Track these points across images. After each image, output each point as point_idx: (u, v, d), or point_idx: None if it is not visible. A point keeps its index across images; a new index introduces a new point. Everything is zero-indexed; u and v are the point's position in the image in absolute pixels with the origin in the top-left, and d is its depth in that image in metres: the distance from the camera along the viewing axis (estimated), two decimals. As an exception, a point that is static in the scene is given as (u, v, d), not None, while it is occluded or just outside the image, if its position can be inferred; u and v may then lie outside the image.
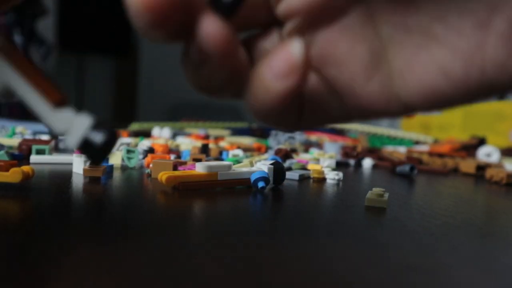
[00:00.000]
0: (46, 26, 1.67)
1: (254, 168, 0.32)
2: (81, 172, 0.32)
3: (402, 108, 0.17)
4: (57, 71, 1.86)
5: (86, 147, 0.16)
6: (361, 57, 0.17)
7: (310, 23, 0.16)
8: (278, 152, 0.46)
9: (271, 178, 0.31)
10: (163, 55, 2.69)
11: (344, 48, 0.17)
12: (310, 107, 0.18)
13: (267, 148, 0.55)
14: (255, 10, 0.17)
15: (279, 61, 0.15)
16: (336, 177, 0.37)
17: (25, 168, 0.26)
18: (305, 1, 0.16)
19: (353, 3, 0.16)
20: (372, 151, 0.63)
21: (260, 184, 0.30)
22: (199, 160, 0.39)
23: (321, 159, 0.45)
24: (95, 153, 0.16)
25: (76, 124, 0.16)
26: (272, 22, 0.17)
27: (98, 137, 0.16)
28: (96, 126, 0.16)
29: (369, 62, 0.17)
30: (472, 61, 0.15)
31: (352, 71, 0.17)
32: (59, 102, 0.16)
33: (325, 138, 0.79)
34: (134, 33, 2.66)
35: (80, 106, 1.82)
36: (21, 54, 0.16)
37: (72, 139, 0.16)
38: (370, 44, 0.17)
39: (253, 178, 0.30)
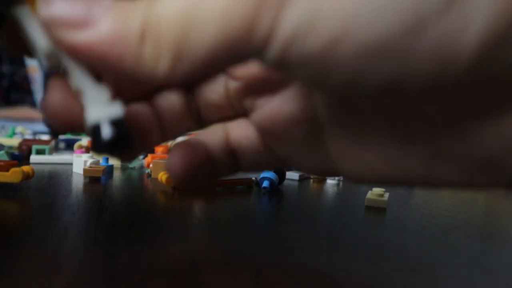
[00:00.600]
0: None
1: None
2: (81, 172, 0.32)
3: (341, 175, 0.17)
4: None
5: (94, 132, 0.16)
6: (298, 137, 0.17)
7: (252, 90, 0.17)
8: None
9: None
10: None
11: (281, 125, 0.17)
12: (246, 162, 0.18)
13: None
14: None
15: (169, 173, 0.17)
16: (336, 177, 0.37)
17: (25, 168, 0.26)
18: (247, 71, 0.16)
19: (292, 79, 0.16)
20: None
21: (265, 183, 0.30)
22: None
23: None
24: (99, 144, 0.16)
25: (108, 106, 0.15)
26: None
27: (108, 133, 0.15)
28: (116, 123, 0.16)
29: (306, 144, 0.17)
30: (397, 169, 0.15)
31: (290, 148, 0.17)
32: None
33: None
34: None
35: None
36: None
37: (94, 115, 0.16)
38: (309, 126, 0.16)
39: (260, 176, 0.30)
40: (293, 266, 0.16)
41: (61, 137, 0.51)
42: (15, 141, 0.46)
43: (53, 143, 0.43)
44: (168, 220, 0.22)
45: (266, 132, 0.17)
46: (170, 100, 0.17)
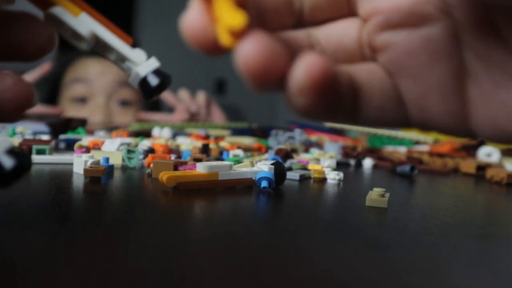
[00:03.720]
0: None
1: (254, 168, 0.32)
2: (81, 172, 0.32)
3: (466, 133, 0.17)
4: (56, 70, 1.85)
5: (144, 83, 0.20)
6: (439, 76, 0.16)
7: (392, 23, 0.16)
8: (278, 152, 0.46)
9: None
10: (163, 55, 2.69)
11: (424, 61, 0.16)
12: (368, 107, 0.17)
13: (267, 148, 0.55)
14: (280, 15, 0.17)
15: (291, 82, 0.15)
16: (337, 177, 0.37)
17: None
18: (391, 2, 0.16)
19: (441, 14, 0.16)
20: (372, 151, 0.63)
21: (263, 183, 0.30)
22: (199, 160, 0.39)
23: (321, 159, 0.45)
24: (148, 90, 0.20)
25: (147, 63, 0.20)
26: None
27: (154, 80, 0.20)
28: (157, 71, 0.20)
29: (448, 83, 0.16)
30: None
31: (428, 88, 0.16)
32: (130, 42, 0.21)
33: (325, 138, 0.79)
34: (133, 32, 2.66)
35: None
36: (97, 12, 0.21)
37: (142, 71, 0.20)
38: (451, 65, 0.16)
39: (258, 176, 0.30)
40: (293, 266, 0.16)
41: (61, 137, 0.51)
42: (15, 141, 0.46)
43: (53, 143, 0.43)
44: (169, 220, 0.22)
45: (401, 69, 0.16)
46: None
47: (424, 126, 0.17)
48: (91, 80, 1.03)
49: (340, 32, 0.17)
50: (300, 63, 0.14)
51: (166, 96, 1.05)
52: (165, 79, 0.20)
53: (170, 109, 1.07)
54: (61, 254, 0.16)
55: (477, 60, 0.16)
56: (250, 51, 0.14)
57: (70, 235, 0.18)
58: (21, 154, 0.18)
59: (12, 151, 0.18)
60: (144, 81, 0.20)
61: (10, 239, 0.17)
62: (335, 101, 0.16)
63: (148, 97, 0.20)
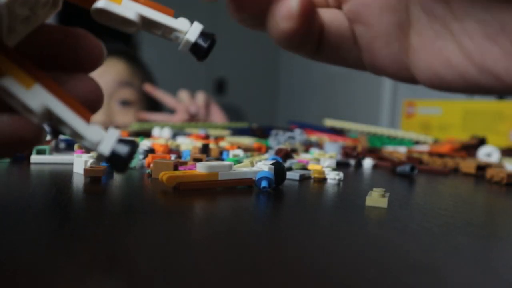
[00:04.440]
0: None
1: (254, 168, 0.32)
2: (81, 172, 0.32)
3: (408, 79, 0.20)
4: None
5: (113, 157, 0.19)
6: (387, 24, 0.19)
7: None
8: (278, 152, 0.46)
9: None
10: (163, 55, 2.69)
11: (375, 11, 0.19)
12: (329, 44, 0.20)
13: (267, 148, 0.55)
14: None
15: (282, 8, 0.18)
16: (337, 177, 0.37)
17: None
18: None
19: None
20: (372, 151, 0.63)
21: (263, 183, 0.30)
22: (199, 160, 0.39)
23: (321, 159, 0.45)
24: (121, 162, 0.19)
25: (107, 137, 0.19)
26: None
27: (123, 149, 0.19)
28: (121, 140, 0.20)
29: (392, 31, 0.19)
30: (473, 63, 0.18)
31: (376, 34, 0.19)
32: (88, 118, 0.19)
33: (325, 138, 0.79)
34: (134, 33, 2.66)
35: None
36: (55, 83, 0.19)
37: (105, 149, 0.19)
38: (398, 16, 0.19)
39: (258, 176, 0.30)
40: (293, 266, 0.16)
41: (61, 137, 0.51)
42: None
43: (53, 143, 0.43)
44: (168, 220, 0.22)
45: (357, 16, 0.20)
46: None
47: (374, 69, 0.20)
48: None
49: None
50: None
51: (166, 98, 1.06)
52: (212, 39, 0.21)
53: (171, 110, 1.07)
54: (61, 254, 0.16)
55: (422, 13, 0.19)
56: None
57: (70, 235, 0.18)
58: (128, 141, 0.20)
59: (121, 140, 0.19)
60: (195, 45, 0.21)
61: (10, 239, 0.17)
62: (308, 31, 0.19)
63: (202, 58, 0.21)
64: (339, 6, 0.21)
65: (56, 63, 0.20)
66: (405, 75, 0.20)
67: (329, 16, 0.20)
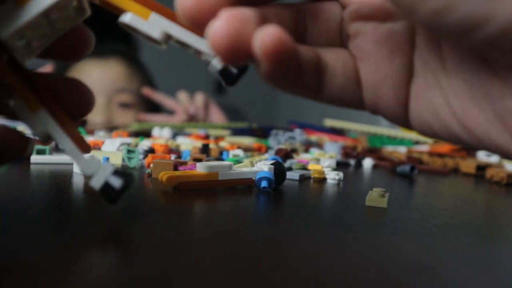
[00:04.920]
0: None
1: (254, 168, 0.32)
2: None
3: (404, 124, 0.20)
4: (57, 71, 1.86)
5: (106, 189, 0.20)
6: (396, 67, 0.18)
7: (363, 15, 0.19)
8: (278, 152, 0.46)
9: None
10: (163, 55, 2.69)
11: (385, 52, 0.18)
12: (331, 85, 0.19)
13: (267, 148, 0.55)
14: None
15: (257, 50, 0.16)
16: (337, 177, 0.37)
17: None
18: None
19: (402, 16, 0.18)
20: (372, 151, 0.63)
21: (263, 183, 0.30)
22: (199, 160, 0.39)
23: (321, 159, 0.45)
24: (113, 195, 0.20)
25: (101, 169, 0.20)
26: None
27: (117, 182, 0.20)
28: (116, 173, 0.20)
29: (399, 75, 0.18)
30: (457, 120, 0.18)
31: (383, 76, 0.19)
32: (86, 150, 0.20)
33: (325, 138, 0.79)
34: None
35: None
36: (60, 109, 0.20)
37: (98, 181, 0.20)
38: (405, 60, 0.18)
39: (258, 176, 0.30)
40: (293, 266, 0.16)
41: (86, 177, 0.52)
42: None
43: (53, 143, 0.43)
44: (169, 220, 0.22)
45: (366, 55, 0.19)
46: (282, 16, 0.18)
47: (373, 111, 0.20)
48: (91, 85, 1.03)
49: (326, 16, 0.19)
50: (257, 33, 0.16)
51: (165, 100, 1.06)
52: (243, 65, 0.19)
53: (170, 112, 1.07)
54: (61, 254, 0.16)
55: (419, 60, 0.18)
56: (219, 29, 0.16)
57: (70, 235, 0.18)
58: (124, 173, 0.20)
59: (117, 172, 0.20)
60: (224, 70, 0.19)
61: (10, 239, 0.17)
62: (297, 73, 0.18)
63: (230, 84, 0.20)
64: (344, 43, 0.20)
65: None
66: (403, 120, 0.19)
67: (332, 56, 0.19)
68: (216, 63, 0.19)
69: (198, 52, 0.19)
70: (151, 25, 0.19)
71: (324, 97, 0.19)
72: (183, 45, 0.20)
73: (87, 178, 0.20)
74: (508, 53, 0.15)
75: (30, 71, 0.20)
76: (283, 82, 0.18)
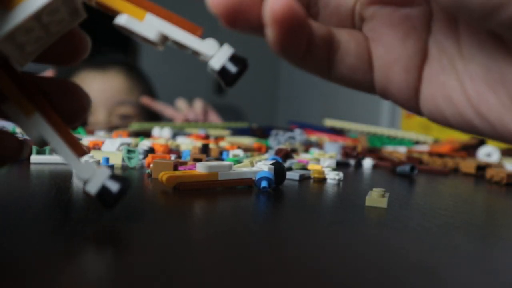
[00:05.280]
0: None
1: (254, 168, 0.32)
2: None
3: (414, 108, 0.20)
4: (57, 71, 1.86)
5: (103, 194, 0.19)
6: (409, 50, 0.19)
7: (379, 1, 0.19)
8: (278, 152, 0.46)
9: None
10: (163, 55, 2.69)
11: (399, 34, 0.19)
12: (343, 64, 0.19)
13: (267, 148, 0.55)
14: None
15: (267, 13, 0.17)
16: (337, 177, 0.37)
17: None
18: None
19: (422, 0, 0.18)
20: (372, 151, 0.63)
21: (263, 183, 0.30)
22: (199, 160, 0.39)
23: (321, 159, 0.45)
24: (110, 199, 0.19)
25: (98, 174, 0.19)
26: None
27: (114, 187, 0.19)
28: (113, 177, 0.19)
29: (411, 58, 0.19)
30: (471, 105, 0.18)
31: (396, 58, 0.19)
32: (82, 154, 0.20)
33: (325, 138, 0.79)
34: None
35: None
36: (54, 113, 0.19)
37: (94, 186, 0.19)
38: (419, 44, 0.19)
39: (258, 176, 0.30)
40: (293, 266, 0.16)
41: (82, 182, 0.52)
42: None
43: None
44: (169, 220, 0.22)
45: (380, 36, 0.19)
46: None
47: (383, 94, 0.20)
48: (92, 97, 1.03)
49: (338, 0, 0.19)
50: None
51: (165, 109, 1.07)
52: (243, 64, 0.19)
53: (170, 120, 1.08)
54: (61, 254, 0.16)
55: (435, 45, 0.19)
56: None
57: (70, 235, 0.18)
58: (121, 178, 0.20)
59: (114, 176, 0.19)
60: (222, 71, 0.19)
61: (10, 239, 0.17)
62: (308, 46, 0.18)
63: (229, 84, 0.19)
64: (357, 25, 0.20)
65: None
66: (413, 105, 0.20)
67: (345, 35, 0.19)
68: (214, 64, 0.19)
69: (195, 53, 0.19)
70: (147, 26, 0.19)
71: (335, 76, 0.19)
72: (180, 46, 0.19)
73: (83, 183, 0.20)
74: None
75: (25, 73, 0.20)
76: (293, 53, 0.18)
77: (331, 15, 0.19)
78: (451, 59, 0.18)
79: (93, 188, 0.19)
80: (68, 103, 0.21)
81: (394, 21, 0.19)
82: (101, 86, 1.05)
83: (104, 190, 0.19)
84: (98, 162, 0.35)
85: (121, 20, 0.19)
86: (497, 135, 0.18)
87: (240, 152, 0.45)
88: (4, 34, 0.17)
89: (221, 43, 0.19)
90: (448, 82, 0.18)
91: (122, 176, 0.20)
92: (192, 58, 0.20)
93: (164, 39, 0.19)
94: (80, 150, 0.20)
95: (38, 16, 0.17)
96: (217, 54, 0.19)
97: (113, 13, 0.19)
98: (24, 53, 0.19)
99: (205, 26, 0.20)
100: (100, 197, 0.19)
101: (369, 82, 0.19)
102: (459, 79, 0.18)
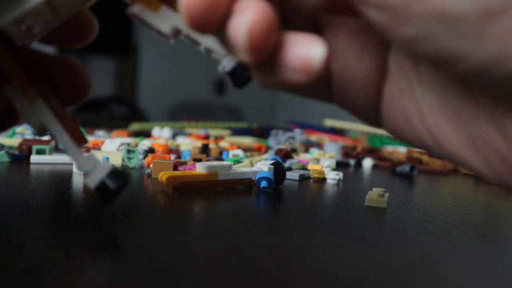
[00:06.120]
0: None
1: (254, 168, 0.32)
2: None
3: (377, 125, 0.18)
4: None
5: (102, 189, 0.19)
6: (365, 67, 0.17)
7: (336, 6, 0.17)
8: (278, 152, 0.46)
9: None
10: (163, 55, 2.69)
11: (356, 50, 0.17)
12: (339, 91, 0.18)
13: (267, 148, 0.55)
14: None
15: (296, 59, 0.15)
16: (336, 177, 0.37)
17: None
18: None
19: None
20: (372, 151, 0.63)
21: (263, 183, 0.30)
22: (199, 160, 0.39)
23: (321, 159, 0.45)
24: (108, 195, 0.19)
25: (98, 168, 0.19)
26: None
27: (114, 182, 0.19)
28: (113, 173, 0.19)
29: (367, 76, 0.17)
30: (429, 133, 0.17)
31: (350, 75, 0.17)
32: (83, 144, 0.20)
33: (325, 138, 0.79)
34: (134, 33, 2.67)
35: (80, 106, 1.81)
36: (58, 100, 0.19)
37: (93, 180, 0.19)
38: (376, 61, 0.17)
39: (257, 176, 0.30)
40: (293, 266, 0.16)
41: (81, 174, 0.52)
42: (15, 141, 0.46)
43: (53, 143, 0.43)
44: (168, 220, 0.22)
45: (334, 52, 0.17)
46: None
47: (344, 108, 0.19)
48: None
49: (301, 2, 0.17)
50: (242, 16, 0.14)
51: None
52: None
53: None
54: (61, 254, 0.16)
55: (394, 62, 0.17)
56: None
57: (69, 235, 0.18)
58: (121, 173, 0.19)
59: (113, 172, 0.19)
60: (234, 71, 0.18)
61: (10, 239, 0.17)
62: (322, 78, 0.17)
63: (238, 86, 0.18)
64: (317, 33, 0.18)
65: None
66: (374, 122, 0.18)
67: None
68: (227, 63, 0.18)
69: (208, 51, 0.19)
70: (161, 18, 0.18)
71: (295, 89, 0.18)
72: (192, 41, 0.19)
73: (84, 175, 0.20)
74: (487, 87, 0.14)
75: (26, 49, 0.19)
76: (259, 73, 0.16)
77: (294, 19, 0.18)
78: (410, 83, 0.17)
79: (92, 182, 0.19)
80: (69, 82, 0.20)
81: (349, 33, 0.17)
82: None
83: (103, 185, 0.19)
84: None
85: (135, 8, 0.18)
86: (458, 163, 0.17)
87: (240, 152, 0.45)
88: (14, 17, 0.17)
89: None
90: (408, 106, 0.17)
91: (122, 171, 0.20)
92: (192, 58, 0.20)
93: (177, 32, 0.19)
94: (81, 140, 0.20)
95: (51, 0, 0.17)
96: (230, 54, 0.18)
97: (129, 2, 0.19)
98: (30, 34, 0.19)
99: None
100: (99, 192, 0.19)
101: (328, 95, 0.18)
102: (417, 105, 0.16)
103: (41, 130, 0.19)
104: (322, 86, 0.18)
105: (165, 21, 0.18)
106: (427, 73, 0.16)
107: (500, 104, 0.14)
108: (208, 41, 0.18)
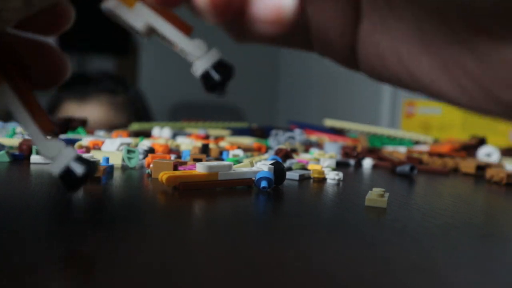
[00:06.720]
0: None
1: (254, 168, 0.32)
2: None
3: (353, 66, 0.19)
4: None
5: (66, 175, 0.18)
6: (340, 8, 0.17)
7: None
8: (278, 152, 0.46)
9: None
10: (163, 55, 2.69)
11: None
12: (316, 36, 0.18)
13: (267, 148, 0.55)
14: None
15: (267, 10, 0.15)
16: (336, 177, 0.37)
17: None
18: None
19: None
20: (372, 151, 0.63)
21: (263, 183, 0.30)
22: (199, 160, 0.39)
23: (321, 159, 0.45)
24: (73, 182, 0.18)
25: (63, 154, 0.18)
26: None
27: (79, 169, 0.18)
28: (79, 159, 0.19)
29: (344, 16, 0.17)
30: (404, 67, 0.17)
31: (328, 17, 0.17)
32: (49, 131, 0.19)
33: (325, 138, 0.79)
34: (134, 35, 2.66)
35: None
36: (24, 84, 0.18)
37: (57, 166, 0.18)
38: (351, 2, 0.17)
39: (257, 176, 0.30)
40: (293, 266, 0.16)
41: (61, 137, 0.51)
42: (15, 141, 0.46)
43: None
44: (168, 220, 0.22)
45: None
46: None
47: (322, 55, 0.19)
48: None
49: None
50: None
51: None
52: (228, 72, 0.18)
53: None
54: (61, 254, 0.16)
55: (368, 2, 0.17)
56: None
57: (69, 235, 0.18)
58: (87, 161, 0.19)
59: (79, 158, 0.18)
60: (206, 75, 0.18)
61: (9, 239, 0.17)
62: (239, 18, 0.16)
63: (210, 90, 0.18)
64: None
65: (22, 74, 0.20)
66: (351, 65, 0.19)
67: None
68: (199, 66, 0.18)
69: (182, 52, 0.18)
70: (135, 15, 0.18)
71: (272, 40, 0.18)
72: (166, 41, 0.18)
73: (49, 161, 0.19)
74: (459, 9, 0.14)
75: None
76: (230, 26, 0.17)
77: None
78: (382, 16, 0.17)
79: (56, 168, 0.18)
80: (44, 66, 0.20)
81: None
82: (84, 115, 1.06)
83: (67, 172, 0.18)
84: (98, 162, 0.34)
85: (110, 4, 0.18)
86: (432, 96, 0.17)
87: (240, 152, 0.45)
88: None
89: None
90: (382, 41, 0.17)
91: (89, 159, 0.19)
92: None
93: (151, 31, 0.18)
94: (47, 127, 0.19)
95: None
96: (203, 57, 0.18)
97: None
98: (0, 20, 0.18)
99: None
100: (63, 179, 0.18)
101: (306, 43, 0.18)
102: (391, 39, 0.17)
103: (5, 115, 0.19)
104: (300, 33, 0.18)
105: (139, 18, 0.18)
106: (399, 3, 0.16)
107: (472, 26, 0.15)
108: (181, 43, 0.18)
